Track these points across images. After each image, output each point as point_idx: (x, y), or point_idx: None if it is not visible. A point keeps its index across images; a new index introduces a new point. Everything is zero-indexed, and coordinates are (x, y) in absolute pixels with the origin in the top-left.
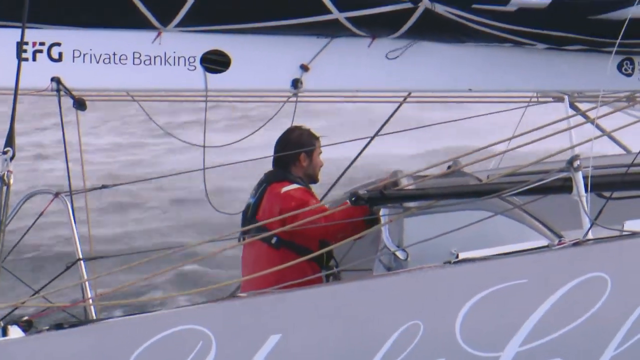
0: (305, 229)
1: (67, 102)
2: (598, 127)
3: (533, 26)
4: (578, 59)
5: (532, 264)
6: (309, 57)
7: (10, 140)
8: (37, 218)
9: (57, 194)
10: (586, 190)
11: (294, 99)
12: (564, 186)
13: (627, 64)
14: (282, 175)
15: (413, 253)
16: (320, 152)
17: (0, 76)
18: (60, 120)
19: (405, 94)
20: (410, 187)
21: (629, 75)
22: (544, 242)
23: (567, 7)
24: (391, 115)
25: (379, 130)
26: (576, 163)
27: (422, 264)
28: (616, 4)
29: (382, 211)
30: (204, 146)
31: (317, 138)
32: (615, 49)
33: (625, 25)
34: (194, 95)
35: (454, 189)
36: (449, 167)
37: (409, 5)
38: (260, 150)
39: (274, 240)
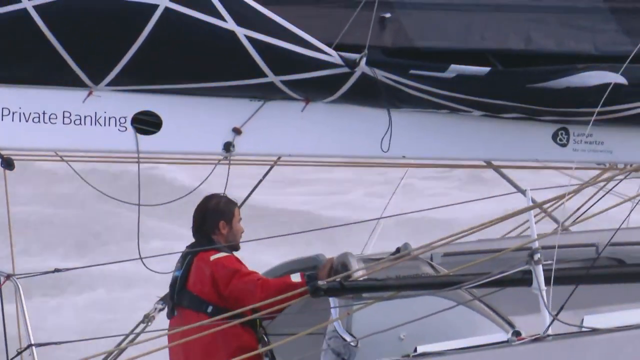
0: (243, 297)
1: None
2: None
3: (470, 94)
4: (513, 128)
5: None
6: (241, 120)
7: None
8: None
9: (8, 276)
10: (547, 284)
11: (225, 162)
12: (524, 279)
13: (562, 134)
14: (206, 244)
15: (361, 336)
16: (240, 219)
17: None
18: None
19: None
20: (367, 279)
21: (564, 145)
22: (501, 335)
23: (505, 76)
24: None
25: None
26: (536, 256)
27: (371, 349)
28: (556, 73)
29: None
30: (138, 204)
31: (235, 205)
32: (552, 118)
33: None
34: (125, 157)
35: (415, 281)
36: (397, 250)
37: (345, 70)
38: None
39: (209, 309)
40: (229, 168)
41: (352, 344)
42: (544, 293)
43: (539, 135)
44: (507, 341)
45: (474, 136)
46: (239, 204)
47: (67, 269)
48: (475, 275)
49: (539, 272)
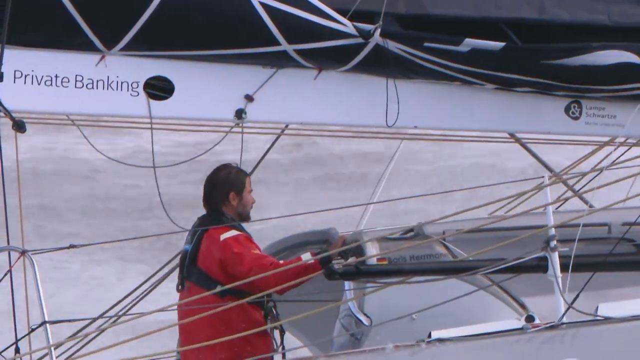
0: (256, 282)
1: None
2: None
3: (484, 68)
4: (526, 101)
5: (505, 347)
6: (253, 87)
7: None
8: (3, 277)
9: (23, 252)
10: (563, 271)
11: (237, 129)
12: (539, 266)
13: (574, 107)
14: (217, 220)
15: (374, 315)
16: (251, 190)
17: None
18: None
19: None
20: (383, 262)
21: (576, 119)
22: (515, 322)
23: (520, 52)
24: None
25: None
26: (552, 243)
27: (383, 328)
28: (572, 51)
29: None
30: (153, 167)
31: (246, 175)
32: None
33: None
34: (136, 122)
35: (430, 267)
36: (411, 230)
37: (359, 41)
38: None
39: (218, 289)
40: (242, 135)
41: (365, 323)
42: (560, 280)
43: (552, 108)
44: (521, 328)
45: (486, 108)
46: (249, 172)
47: (82, 245)
48: (491, 261)
49: (555, 260)
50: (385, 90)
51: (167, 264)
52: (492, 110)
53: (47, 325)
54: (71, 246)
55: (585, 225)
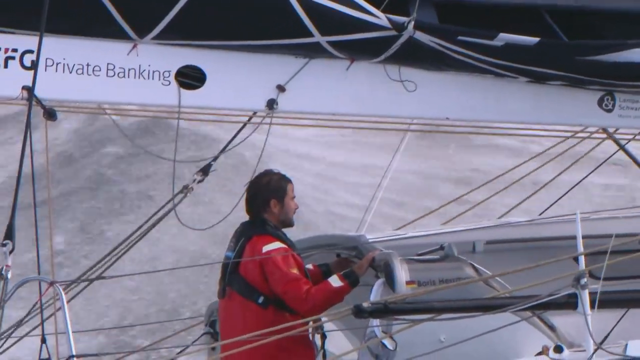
0: (291, 304)
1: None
2: None
3: (518, 62)
4: (558, 93)
5: None
6: (285, 77)
7: (9, 233)
8: (32, 308)
9: (52, 283)
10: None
11: (268, 120)
12: (569, 302)
13: (607, 99)
14: (260, 227)
15: (400, 338)
16: (293, 197)
17: None
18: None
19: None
20: (412, 285)
21: (609, 111)
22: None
23: (554, 48)
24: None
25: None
26: (583, 280)
27: (410, 350)
28: (607, 48)
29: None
30: (174, 160)
31: (288, 181)
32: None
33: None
34: (166, 111)
35: (460, 304)
36: (441, 247)
37: (392, 33)
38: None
39: (260, 300)
40: (269, 126)
41: (390, 347)
42: (589, 319)
43: (585, 101)
44: None
45: (519, 100)
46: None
47: (112, 277)
48: (520, 298)
49: (585, 298)
50: (420, 80)
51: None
52: (524, 102)
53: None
54: (100, 277)
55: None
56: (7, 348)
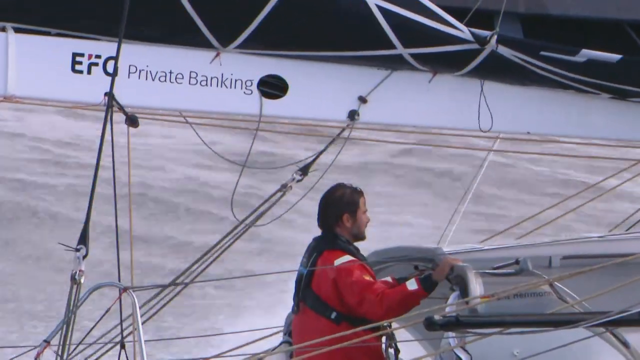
0: (365, 312)
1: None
2: None
3: (600, 79)
4: None
5: None
6: (367, 88)
7: (83, 238)
8: (104, 314)
9: (125, 289)
10: None
11: (349, 130)
12: None
13: None
14: (331, 242)
15: (474, 350)
16: (365, 210)
17: (54, 87)
18: (111, 137)
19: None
20: (487, 299)
21: None
22: None
23: (637, 65)
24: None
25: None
26: None
27: None
28: None
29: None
30: (244, 165)
31: (360, 194)
32: None
33: None
34: (248, 120)
35: (532, 319)
36: (516, 262)
37: (475, 46)
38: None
39: (333, 315)
40: (348, 135)
41: (464, 359)
42: None
43: None
44: None
45: (601, 116)
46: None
47: (186, 284)
48: (593, 314)
49: None
50: (502, 94)
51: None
52: (606, 118)
53: None
54: (173, 283)
55: None
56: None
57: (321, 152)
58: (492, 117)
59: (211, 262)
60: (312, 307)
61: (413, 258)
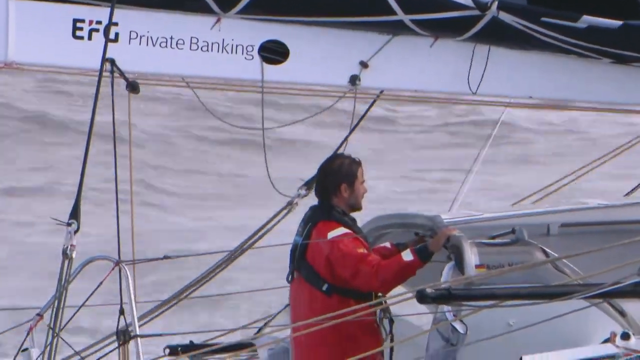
0: (359, 284)
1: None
2: None
3: (601, 44)
4: None
5: None
6: (368, 53)
7: (75, 213)
8: (96, 288)
9: (118, 262)
10: None
11: (350, 95)
12: (635, 291)
13: None
14: (327, 213)
15: (468, 320)
16: (363, 181)
17: (54, 54)
18: (112, 102)
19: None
20: (482, 269)
21: None
22: (609, 348)
23: (637, 31)
24: (367, 111)
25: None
26: None
27: (479, 333)
28: None
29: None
30: (262, 128)
31: (358, 165)
32: None
33: None
34: (249, 86)
35: (524, 291)
36: (512, 231)
37: (476, 12)
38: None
39: (325, 287)
40: (354, 101)
41: (461, 331)
42: None
43: None
44: (613, 356)
45: (603, 80)
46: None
47: (177, 257)
48: (586, 286)
49: None
50: (504, 59)
51: None
52: (608, 82)
53: (139, 339)
54: (165, 257)
55: None
56: None
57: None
58: (495, 82)
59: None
60: (306, 277)
61: (412, 225)
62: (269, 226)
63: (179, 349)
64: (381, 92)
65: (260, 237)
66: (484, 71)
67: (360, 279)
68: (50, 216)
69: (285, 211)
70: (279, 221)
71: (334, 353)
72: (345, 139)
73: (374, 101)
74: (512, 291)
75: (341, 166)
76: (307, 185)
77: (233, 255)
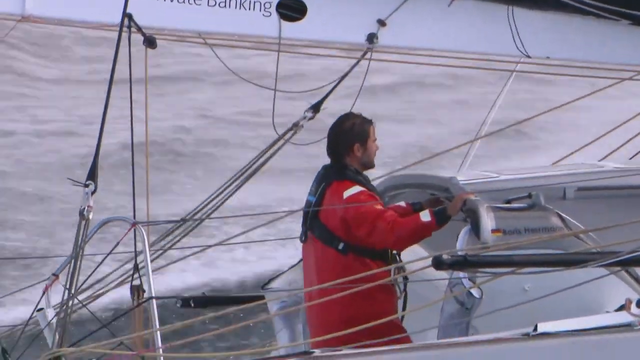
0: (375, 241)
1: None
2: None
3: (618, 5)
4: None
5: (612, 345)
6: (386, 12)
7: (92, 174)
8: (114, 248)
9: (134, 224)
10: None
11: (368, 54)
12: None
13: None
14: (341, 172)
15: (484, 285)
16: (375, 139)
17: (72, 8)
18: (129, 58)
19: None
20: (498, 234)
21: None
22: (624, 316)
23: None
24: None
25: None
26: None
27: (494, 298)
28: None
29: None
30: (274, 90)
31: (370, 123)
32: None
33: None
34: (266, 42)
35: (541, 259)
36: (529, 195)
37: None
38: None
39: (340, 246)
40: (369, 61)
41: (476, 295)
42: None
43: None
44: (629, 324)
45: (620, 42)
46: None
47: (195, 219)
48: (602, 254)
49: None
50: (521, 18)
51: None
52: (626, 44)
53: (154, 300)
54: (182, 219)
55: None
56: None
57: (334, 87)
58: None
59: (228, 198)
60: (319, 237)
61: (428, 185)
62: (275, 147)
63: (191, 301)
64: (368, 48)
65: (267, 160)
66: (515, 30)
67: (376, 235)
68: (67, 177)
69: (291, 132)
70: (285, 142)
71: (349, 311)
72: (338, 82)
73: (363, 55)
74: (529, 258)
75: (353, 126)
76: (313, 108)
77: (239, 177)
